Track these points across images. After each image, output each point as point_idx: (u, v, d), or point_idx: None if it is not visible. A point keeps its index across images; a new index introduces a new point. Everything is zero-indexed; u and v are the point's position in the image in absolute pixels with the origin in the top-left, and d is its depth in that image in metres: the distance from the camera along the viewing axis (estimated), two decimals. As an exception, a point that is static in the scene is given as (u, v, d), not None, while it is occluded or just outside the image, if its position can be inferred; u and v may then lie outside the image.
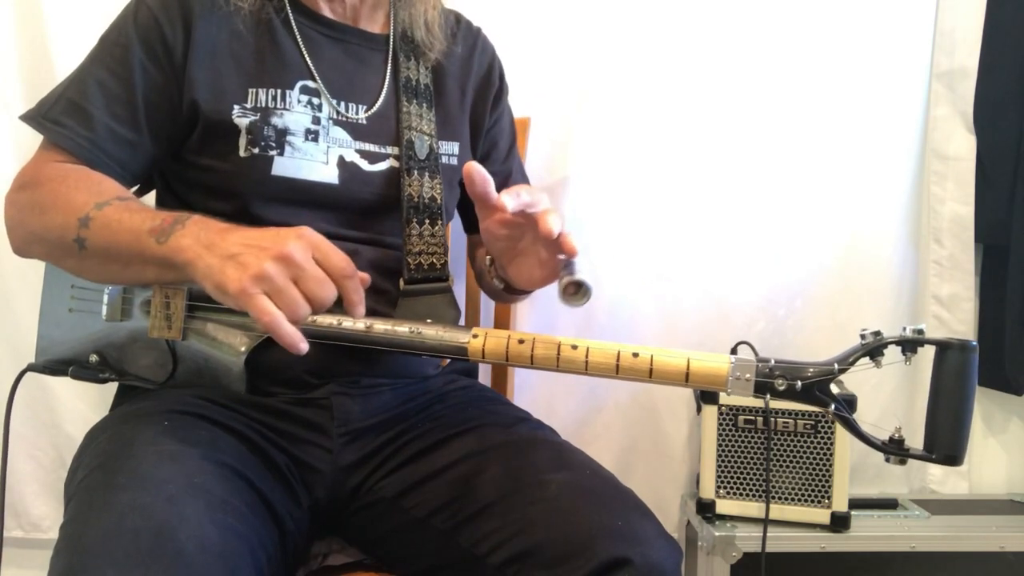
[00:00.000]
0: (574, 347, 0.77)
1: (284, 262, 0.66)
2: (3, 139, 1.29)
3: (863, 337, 0.75)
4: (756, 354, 1.29)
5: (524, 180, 1.12)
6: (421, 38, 0.96)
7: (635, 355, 0.76)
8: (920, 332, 0.73)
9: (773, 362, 0.75)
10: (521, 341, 0.78)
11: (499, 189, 0.82)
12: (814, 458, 1.21)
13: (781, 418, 1.22)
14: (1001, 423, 1.50)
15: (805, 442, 1.21)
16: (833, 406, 0.75)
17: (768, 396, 0.75)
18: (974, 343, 0.74)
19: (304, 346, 0.68)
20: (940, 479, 1.46)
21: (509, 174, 1.10)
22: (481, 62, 1.03)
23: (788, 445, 1.22)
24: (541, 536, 0.72)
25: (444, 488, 0.81)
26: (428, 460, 0.84)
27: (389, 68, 0.95)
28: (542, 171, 1.38)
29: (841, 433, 1.20)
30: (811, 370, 0.75)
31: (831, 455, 1.20)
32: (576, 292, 0.71)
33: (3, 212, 0.83)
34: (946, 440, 0.74)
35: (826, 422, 1.20)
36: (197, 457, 0.72)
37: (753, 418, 1.23)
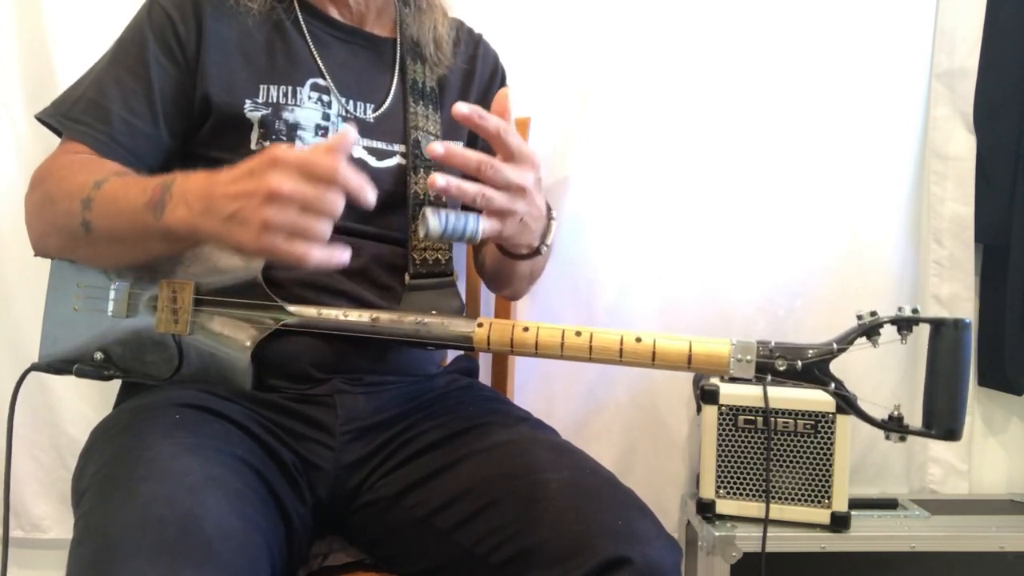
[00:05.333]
0: (578, 333, 0.79)
1: (277, 200, 0.64)
2: (3, 139, 1.30)
3: (860, 318, 0.77)
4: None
5: None
6: (430, 54, 0.99)
7: (638, 340, 0.78)
8: (915, 311, 0.76)
9: (773, 343, 0.77)
10: (525, 329, 0.80)
11: None
12: (814, 458, 1.21)
13: (781, 418, 1.22)
14: (1001, 423, 1.50)
15: (805, 442, 1.21)
16: (833, 385, 0.77)
17: (769, 377, 0.77)
18: (967, 320, 0.76)
19: (345, 256, 0.68)
20: (940, 479, 1.46)
21: None
22: (484, 69, 1.06)
23: (788, 445, 1.22)
24: (541, 535, 0.72)
25: (445, 487, 0.81)
26: (429, 459, 0.84)
27: (397, 70, 0.97)
28: (543, 171, 1.37)
29: (841, 433, 1.20)
30: (811, 351, 0.77)
31: (831, 455, 1.20)
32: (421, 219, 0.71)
33: (25, 211, 0.85)
34: (944, 415, 0.76)
35: (826, 422, 1.20)
36: (212, 449, 0.72)
37: (753, 418, 1.23)
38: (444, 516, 0.79)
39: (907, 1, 1.38)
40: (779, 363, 0.77)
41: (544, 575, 0.70)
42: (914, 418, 0.77)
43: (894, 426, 0.77)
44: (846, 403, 0.78)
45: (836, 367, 0.78)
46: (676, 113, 1.38)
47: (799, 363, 0.76)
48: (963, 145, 1.40)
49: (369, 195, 0.66)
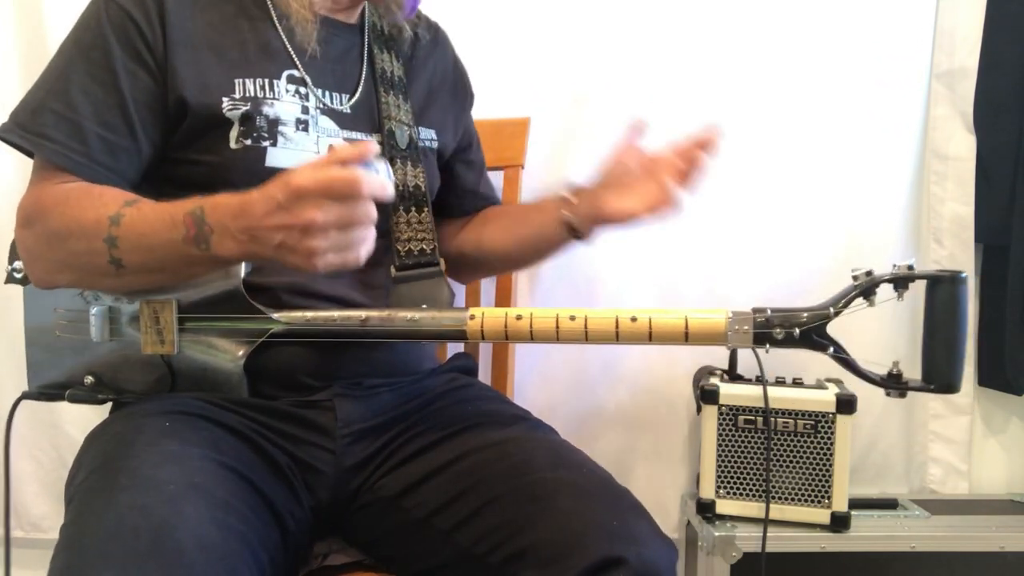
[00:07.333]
0: (572, 318, 0.78)
1: (316, 231, 0.66)
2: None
3: (855, 278, 0.77)
4: (757, 354, 1.30)
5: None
6: (395, 43, 0.99)
7: (633, 319, 0.77)
8: (911, 268, 0.75)
9: (770, 312, 0.76)
10: (519, 317, 0.79)
11: (479, 177, 1.08)
12: (814, 458, 1.21)
13: (781, 418, 1.22)
14: (1001, 423, 1.50)
15: (805, 442, 1.21)
16: (831, 348, 0.76)
17: (768, 346, 0.76)
18: (964, 274, 0.76)
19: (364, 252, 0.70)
20: (940, 479, 1.46)
21: (482, 162, 1.16)
22: (443, 58, 1.07)
23: (788, 445, 1.22)
24: (537, 535, 0.72)
25: (443, 487, 0.81)
26: (427, 459, 0.84)
27: (366, 59, 0.96)
28: (542, 171, 1.38)
29: (841, 433, 1.20)
30: (806, 315, 0.76)
31: (831, 455, 1.20)
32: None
33: (17, 247, 0.82)
34: (943, 369, 0.77)
35: (826, 422, 1.20)
36: (198, 458, 0.71)
37: (753, 418, 1.23)
38: (443, 517, 0.79)
39: (907, 1, 1.38)
40: (776, 331, 0.76)
41: (540, 575, 0.70)
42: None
43: (893, 383, 0.77)
44: (846, 365, 0.77)
45: (837, 331, 0.77)
46: (675, 113, 1.38)
47: (796, 330, 0.76)
48: (963, 145, 1.40)
49: (389, 191, 0.68)
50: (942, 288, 0.76)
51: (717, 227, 1.40)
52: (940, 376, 0.77)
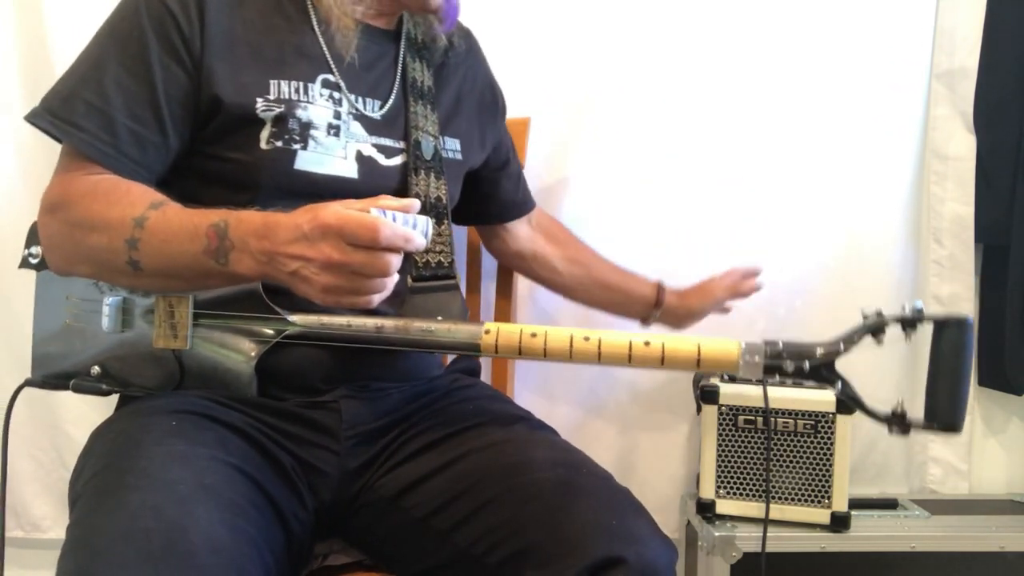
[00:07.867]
0: (586, 339, 0.78)
1: (333, 269, 0.67)
2: (3, 139, 1.29)
3: (865, 317, 0.79)
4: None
5: None
6: (427, 52, 0.98)
7: (646, 344, 0.78)
8: (919, 310, 0.77)
9: (781, 344, 0.78)
10: (533, 335, 0.79)
11: (517, 185, 1.12)
12: (814, 458, 1.21)
13: (781, 418, 1.22)
14: (1001, 423, 1.50)
15: (805, 442, 1.21)
16: (839, 384, 0.78)
17: (777, 377, 0.78)
18: (970, 319, 0.78)
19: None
20: (940, 479, 1.46)
21: (519, 170, 1.17)
22: (476, 68, 1.07)
23: (788, 445, 1.22)
24: (536, 535, 0.72)
25: (442, 487, 0.81)
26: (427, 458, 0.84)
27: (399, 67, 0.95)
28: (542, 171, 1.38)
29: (841, 433, 1.20)
30: (818, 350, 0.78)
31: (831, 455, 1.20)
32: None
33: (39, 233, 0.82)
34: (945, 410, 0.78)
35: (826, 422, 1.20)
36: (205, 458, 0.71)
37: (753, 418, 1.23)
38: (443, 517, 0.79)
39: (907, 1, 1.38)
40: (787, 364, 0.78)
41: (539, 575, 0.70)
42: (916, 412, 0.79)
43: (897, 421, 0.79)
44: (853, 401, 0.79)
45: (839, 362, 0.79)
46: (676, 112, 1.38)
47: (806, 363, 0.77)
48: (963, 145, 1.40)
49: (417, 244, 0.69)
50: (948, 331, 0.78)
51: (718, 226, 1.40)
52: (943, 416, 0.78)
